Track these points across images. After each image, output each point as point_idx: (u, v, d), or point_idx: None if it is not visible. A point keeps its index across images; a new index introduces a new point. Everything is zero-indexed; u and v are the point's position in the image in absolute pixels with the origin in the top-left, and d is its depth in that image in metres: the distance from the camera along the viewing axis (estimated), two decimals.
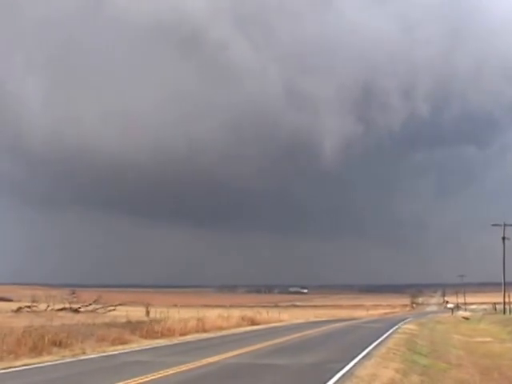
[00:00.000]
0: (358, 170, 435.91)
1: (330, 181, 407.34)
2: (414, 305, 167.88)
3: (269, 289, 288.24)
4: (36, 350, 17.50)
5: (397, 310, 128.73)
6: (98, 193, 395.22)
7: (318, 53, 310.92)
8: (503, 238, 66.61)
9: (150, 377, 13.17)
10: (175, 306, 59.15)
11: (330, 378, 13.30)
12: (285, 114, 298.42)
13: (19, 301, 44.90)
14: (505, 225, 67.06)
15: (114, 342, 20.98)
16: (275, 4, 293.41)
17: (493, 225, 68.30)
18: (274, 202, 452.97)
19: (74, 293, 44.97)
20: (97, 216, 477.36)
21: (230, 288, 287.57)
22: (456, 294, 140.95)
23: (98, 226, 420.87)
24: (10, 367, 15.13)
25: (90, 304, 32.94)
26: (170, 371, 14.13)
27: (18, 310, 30.88)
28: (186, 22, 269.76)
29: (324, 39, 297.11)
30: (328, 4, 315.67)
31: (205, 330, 29.40)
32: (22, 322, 20.01)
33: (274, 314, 52.40)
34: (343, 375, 13.92)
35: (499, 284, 71.34)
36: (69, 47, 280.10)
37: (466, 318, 67.17)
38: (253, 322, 38.51)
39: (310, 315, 63.17)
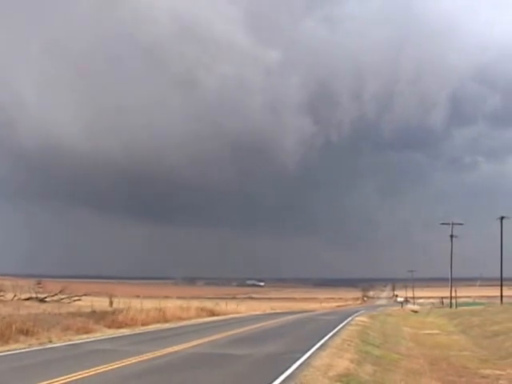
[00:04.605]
0: (311, 169, 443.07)
1: (284, 180, 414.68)
2: (365, 298, 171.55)
3: (227, 281, 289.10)
4: (3, 338, 17.65)
5: (349, 303, 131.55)
6: (66, 187, 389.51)
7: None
8: (451, 236, 69.78)
9: (114, 365, 13.57)
10: (137, 296, 59.03)
11: (288, 368, 13.77)
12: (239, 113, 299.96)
13: None
14: (453, 223, 70.34)
15: (78, 331, 21.21)
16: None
17: (442, 223, 71.54)
18: (233, 200, 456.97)
19: (39, 283, 44.61)
20: (64, 209, 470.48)
21: (190, 280, 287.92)
22: (405, 288, 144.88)
23: (65, 219, 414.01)
24: None
25: (56, 294, 32.68)
26: (133, 360, 14.54)
27: None
28: None
29: None
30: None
31: (166, 321, 29.69)
32: None
33: (231, 305, 52.88)
34: (300, 365, 14.44)
35: (446, 279, 74.49)
36: None
37: (415, 311, 69.51)
38: (212, 313, 38.94)
39: (266, 307, 64.01)
